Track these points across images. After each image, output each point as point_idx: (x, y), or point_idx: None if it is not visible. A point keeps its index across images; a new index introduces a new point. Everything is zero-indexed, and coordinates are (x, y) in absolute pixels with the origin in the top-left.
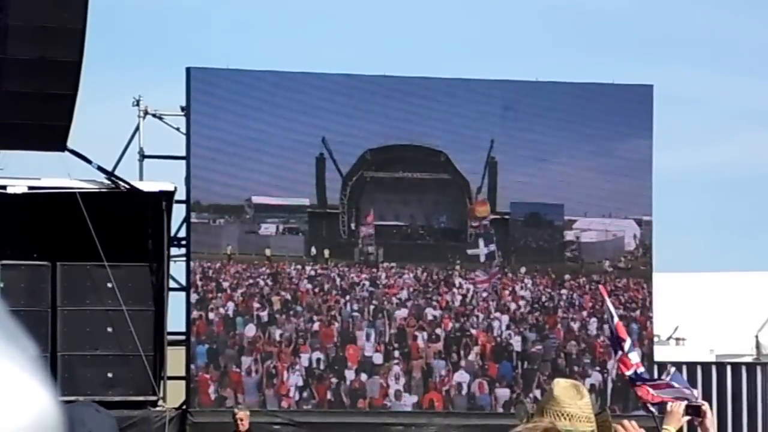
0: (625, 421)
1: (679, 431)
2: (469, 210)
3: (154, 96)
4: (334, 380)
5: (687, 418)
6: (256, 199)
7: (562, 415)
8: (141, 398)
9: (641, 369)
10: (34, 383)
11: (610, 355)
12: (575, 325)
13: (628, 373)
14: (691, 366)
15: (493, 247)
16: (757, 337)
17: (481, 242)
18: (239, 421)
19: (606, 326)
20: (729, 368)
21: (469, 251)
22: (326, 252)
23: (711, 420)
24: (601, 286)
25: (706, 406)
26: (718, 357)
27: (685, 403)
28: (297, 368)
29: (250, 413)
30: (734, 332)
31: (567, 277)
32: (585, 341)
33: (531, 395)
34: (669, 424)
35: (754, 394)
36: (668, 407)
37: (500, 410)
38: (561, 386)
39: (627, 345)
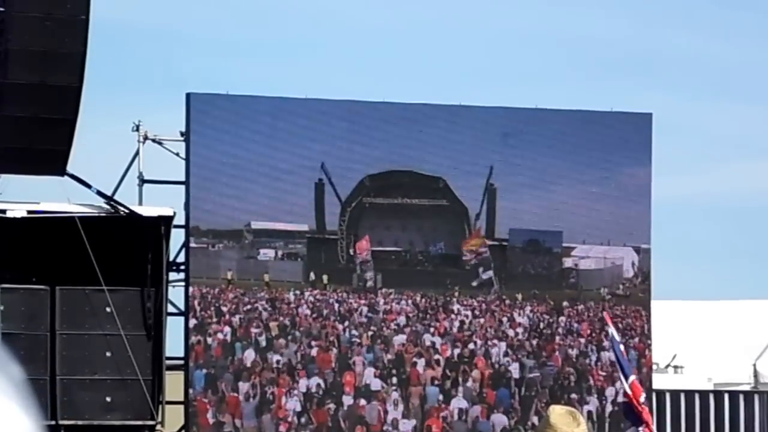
0: None
1: None
2: (463, 242)
3: (153, 121)
4: (332, 406)
5: None
6: (255, 225)
7: None
8: (139, 422)
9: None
10: (17, 408)
11: (607, 383)
12: (573, 352)
13: (644, 396)
14: (689, 394)
15: (490, 273)
16: (754, 365)
17: (480, 270)
18: None
19: (610, 352)
20: (727, 396)
21: (474, 283)
22: (325, 277)
23: None
24: (605, 313)
25: None
26: (716, 385)
27: None
28: (295, 393)
29: None
30: (732, 360)
31: (565, 304)
32: (583, 368)
33: (528, 422)
34: None
35: (752, 422)
36: None
37: None
38: (557, 413)
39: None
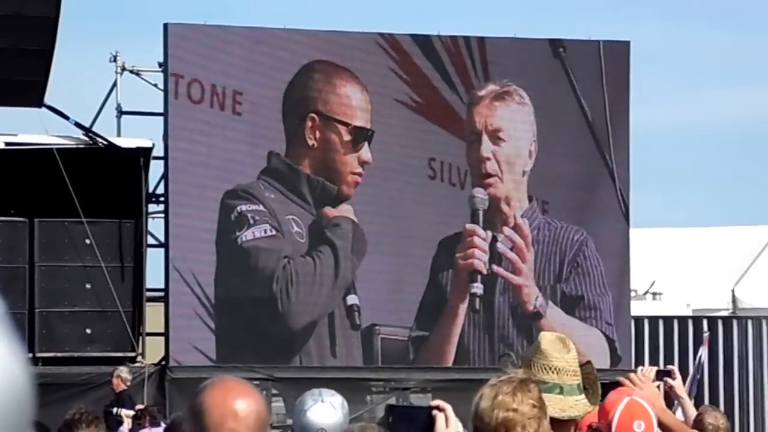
0: (632, 374)
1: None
2: None
3: (131, 52)
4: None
5: (657, 383)
6: None
7: (549, 368)
8: (119, 354)
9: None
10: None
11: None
12: None
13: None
14: (668, 320)
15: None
16: (733, 291)
17: None
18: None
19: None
20: (705, 322)
21: None
22: None
23: (680, 385)
24: (705, 336)
25: (675, 371)
26: (694, 311)
27: (655, 368)
28: None
29: (229, 369)
30: (711, 287)
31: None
32: None
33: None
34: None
35: (731, 347)
36: (639, 370)
37: (480, 364)
38: (547, 339)
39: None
